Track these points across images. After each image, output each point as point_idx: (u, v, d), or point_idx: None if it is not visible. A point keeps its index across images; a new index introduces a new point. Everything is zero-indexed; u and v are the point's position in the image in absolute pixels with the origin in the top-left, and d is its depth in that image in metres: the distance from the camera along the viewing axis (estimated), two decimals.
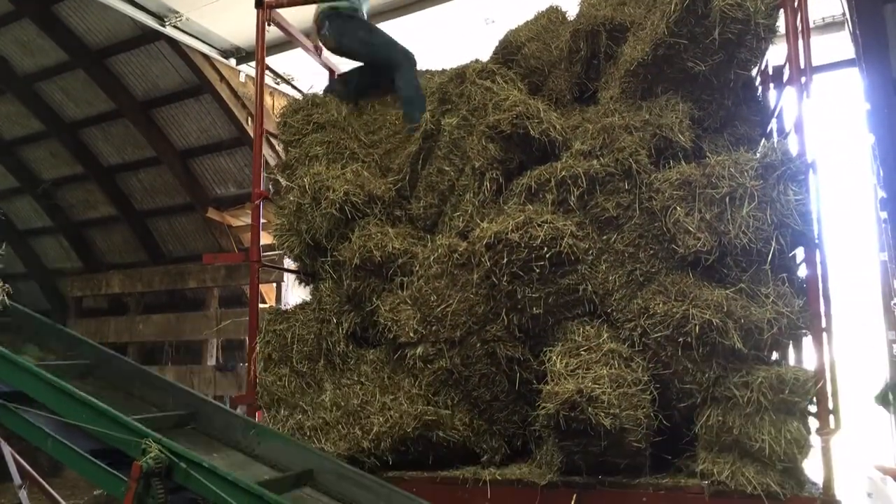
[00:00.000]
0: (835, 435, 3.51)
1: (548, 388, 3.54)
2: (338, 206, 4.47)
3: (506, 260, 3.75)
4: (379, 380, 4.37)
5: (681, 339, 3.55)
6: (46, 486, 5.59)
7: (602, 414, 3.34)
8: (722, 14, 3.82)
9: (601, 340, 3.71)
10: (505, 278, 3.77)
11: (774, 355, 3.71)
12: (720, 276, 3.75)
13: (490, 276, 3.82)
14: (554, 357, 3.69)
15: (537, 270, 3.73)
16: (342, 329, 4.60)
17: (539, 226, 3.74)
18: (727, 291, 3.60)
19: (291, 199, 4.74)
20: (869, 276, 6.58)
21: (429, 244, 4.36)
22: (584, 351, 3.67)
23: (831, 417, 3.53)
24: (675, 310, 3.59)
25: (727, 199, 3.66)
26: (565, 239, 3.72)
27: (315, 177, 4.66)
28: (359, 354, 4.59)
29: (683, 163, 3.90)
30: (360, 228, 4.47)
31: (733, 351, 3.49)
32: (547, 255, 3.70)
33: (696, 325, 3.49)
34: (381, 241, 4.35)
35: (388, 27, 8.56)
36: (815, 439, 3.48)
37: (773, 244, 3.57)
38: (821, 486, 3.46)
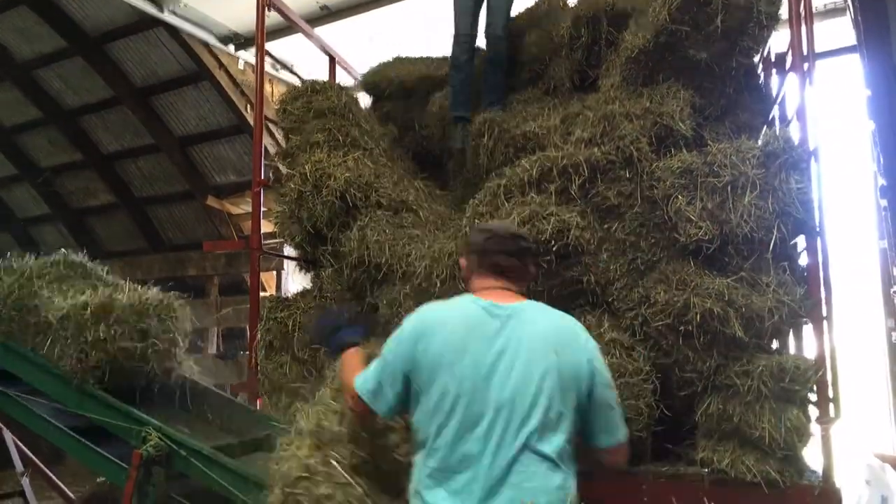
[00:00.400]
0: (834, 423, 3.51)
1: None
2: (339, 194, 4.46)
3: None
4: None
5: (682, 328, 3.54)
6: (49, 473, 5.61)
7: None
8: (724, 1, 3.80)
9: (602, 330, 3.71)
10: None
11: (775, 343, 3.71)
12: (721, 264, 3.74)
13: None
14: None
15: (544, 266, 3.70)
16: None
17: (545, 218, 3.69)
18: (728, 280, 3.60)
19: (292, 186, 4.73)
20: (869, 263, 6.58)
21: (432, 237, 4.34)
22: None
23: (831, 406, 3.54)
24: (676, 298, 3.58)
25: (729, 188, 3.64)
26: (572, 231, 3.68)
27: (316, 164, 4.64)
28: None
29: (685, 151, 3.88)
30: (361, 218, 4.45)
31: (734, 339, 3.48)
32: (554, 249, 3.66)
33: (697, 313, 3.49)
34: (382, 234, 4.33)
35: (384, 13, 8.56)
36: (814, 427, 3.49)
37: (775, 233, 3.57)
38: (820, 473, 3.47)
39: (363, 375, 2.43)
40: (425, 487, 2.19)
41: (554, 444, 2.12)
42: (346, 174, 4.51)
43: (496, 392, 2.14)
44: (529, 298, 2.48)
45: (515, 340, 2.20)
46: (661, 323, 3.61)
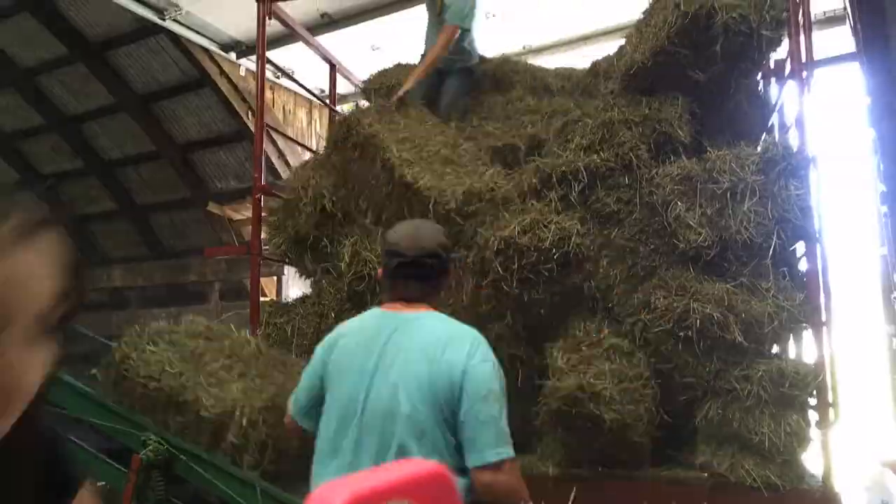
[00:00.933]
0: (834, 428, 3.52)
1: (550, 383, 3.55)
2: (318, 204, 4.53)
3: (516, 265, 3.67)
4: None
5: (682, 334, 3.55)
6: None
7: (604, 409, 3.34)
8: (725, 27, 3.79)
9: (602, 336, 3.71)
10: (515, 284, 3.72)
11: (775, 348, 3.71)
12: (721, 270, 3.75)
13: (499, 282, 3.77)
14: (555, 353, 3.69)
15: (546, 273, 3.68)
16: None
17: (546, 227, 3.68)
18: (728, 286, 3.60)
19: (282, 196, 4.83)
20: (869, 270, 6.58)
21: None
22: (586, 346, 3.67)
23: (831, 410, 3.54)
24: (675, 304, 3.59)
25: (728, 195, 3.65)
26: (573, 238, 3.67)
27: (299, 173, 4.73)
28: None
29: (683, 157, 3.89)
30: (352, 230, 4.45)
31: (734, 345, 3.49)
32: (555, 257, 3.65)
33: (697, 319, 3.49)
34: (375, 250, 4.28)
35: (385, 22, 8.59)
36: (814, 432, 3.50)
37: (774, 239, 3.57)
38: (820, 478, 3.47)
39: (294, 394, 2.43)
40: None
41: (417, 451, 2.03)
42: (324, 183, 4.58)
43: (367, 399, 2.13)
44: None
45: (395, 350, 2.16)
46: (660, 328, 3.61)
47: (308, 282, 5.22)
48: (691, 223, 3.71)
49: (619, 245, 3.98)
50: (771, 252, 3.61)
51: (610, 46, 7.82)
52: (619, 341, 3.72)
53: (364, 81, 5.96)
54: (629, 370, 3.56)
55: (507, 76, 5.47)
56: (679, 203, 3.76)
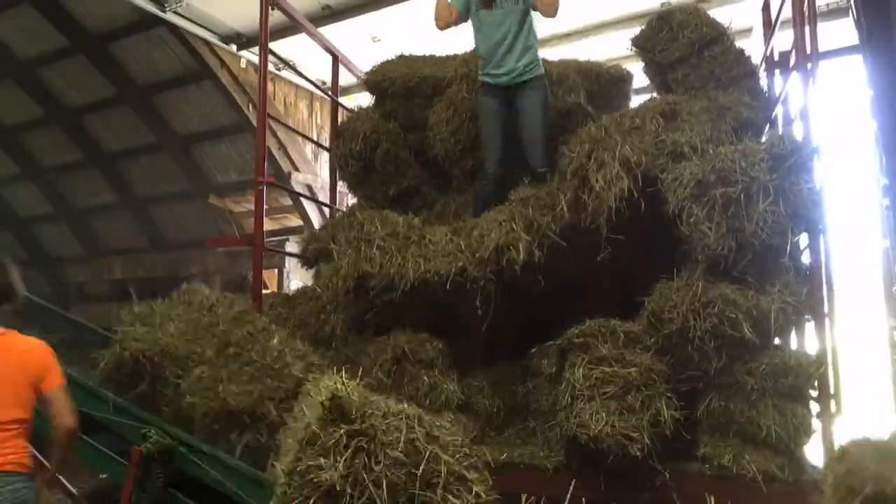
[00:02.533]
0: (836, 419, 3.52)
1: (563, 407, 3.53)
2: None
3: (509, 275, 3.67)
4: None
5: (690, 333, 3.52)
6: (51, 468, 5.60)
7: (628, 444, 3.32)
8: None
9: (618, 335, 3.64)
10: (493, 296, 3.71)
11: (777, 341, 3.70)
12: (728, 268, 3.71)
13: (495, 286, 3.74)
14: (554, 358, 3.66)
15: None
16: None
17: (511, 247, 3.66)
18: (737, 284, 3.57)
19: None
20: (871, 262, 6.58)
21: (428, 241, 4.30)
22: (605, 364, 3.57)
23: (832, 402, 3.54)
24: (684, 305, 3.56)
25: (742, 196, 3.57)
26: (521, 253, 3.67)
27: None
28: (360, 341, 4.57)
29: (694, 159, 3.83)
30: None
31: (741, 341, 3.46)
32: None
33: (707, 318, 3.47)
34: (373, 256, 4.14)
35: (386, 13, 8.57)
36: (816, 424, 3.49)
37: (790, 237, 3.54)
38: (821, 469, 3.47)
39: None
40: None
41: None
42: None
43: None
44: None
45: None
46: (669, 329, 3.58)
47: (310, 273, 5.22)
48: (708, 229, 3.63)
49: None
50: (788, 251, 3.57)
51: (605, 38, 7.78)
52: (626, 340, 3.65)
53: (366, 73, 5.94)
54: (636, 373, 3.53)
55: None
56: (694, 207, 3.69)
